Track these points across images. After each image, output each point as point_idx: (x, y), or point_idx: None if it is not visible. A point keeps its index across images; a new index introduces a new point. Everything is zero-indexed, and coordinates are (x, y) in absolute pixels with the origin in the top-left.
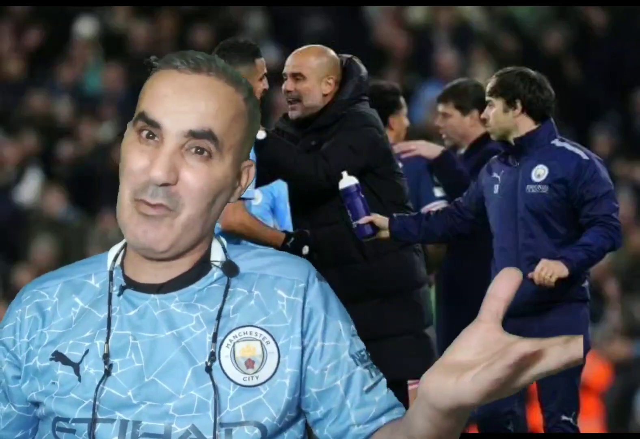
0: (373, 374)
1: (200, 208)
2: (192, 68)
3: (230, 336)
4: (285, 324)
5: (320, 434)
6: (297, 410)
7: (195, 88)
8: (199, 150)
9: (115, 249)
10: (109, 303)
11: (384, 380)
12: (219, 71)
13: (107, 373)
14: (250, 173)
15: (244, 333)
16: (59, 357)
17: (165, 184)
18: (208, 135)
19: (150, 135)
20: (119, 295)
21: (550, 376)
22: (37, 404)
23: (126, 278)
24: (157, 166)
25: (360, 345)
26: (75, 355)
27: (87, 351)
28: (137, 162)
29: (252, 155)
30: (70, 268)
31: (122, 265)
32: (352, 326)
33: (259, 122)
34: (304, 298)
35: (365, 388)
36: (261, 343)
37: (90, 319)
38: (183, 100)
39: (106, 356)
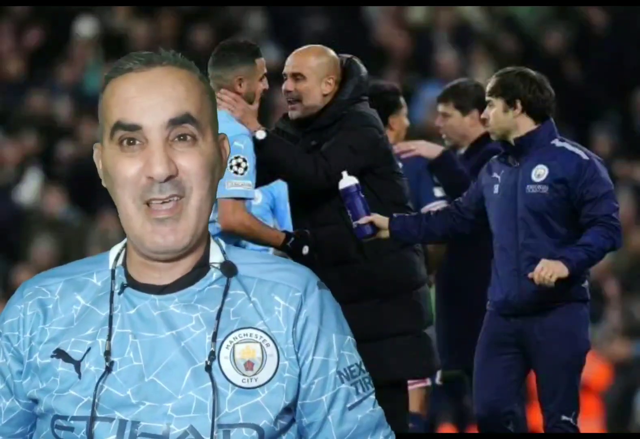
0: (360, 390)
1: (205, 187)
2: (146, 64)
3: (230, 338)
4: (281, 331)
5: None
6: (293, 414)
7: (158, 79)
8: (182, 137)
9: (117, 248)
10: (111, 301)
11: (372, 397)
12: (169, 59)
13: (108, 370)
14: (225, 147)
15: (244, 335)
16: (60, 354)
17: (168, 178)
18: (187, 118)
19: (131, 141)
20: (119, 293)
21: (550, 377)
22: (36, 401)
23: (129, 277)
24: (155, 163)
25: (352, 359)
26: (77, 353)
27: (89, 349)
28: (130, 168)
29: (252, 155)
30: (72, 267)
31: (124, 264)
32: (348, 337)
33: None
34: (299, 308)
35: (348, 405)
36: (261, 345)
37: (92, 317)
38: (151, 95)
39: (107, 354)
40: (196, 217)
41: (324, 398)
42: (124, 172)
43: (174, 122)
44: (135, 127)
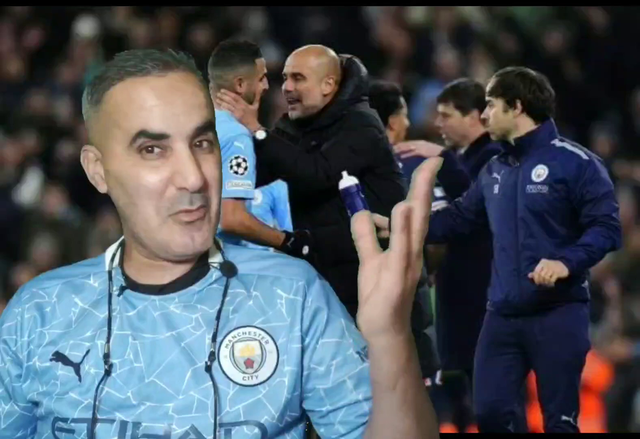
0: None
1: (220, 192)
2: (164, 68)
3: (229, 336)
4: (284, 323)
5: (328, 431)
6: (299, 410)
7: (178, 86)
8: (199, 143)
9: (112, 249)
10: (109, 303)
11: None
12: (182, 62)
13: (107, 373)
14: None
15: (243, 333)
16: (59, 357)
17: (200, 187)
18: (210, 126)
19: (150, 149)
20: (118, 295)
21: (550, 377)
22: (36, 404)
23: (127, 279)
24: (189, 173)
25: (363, 342)
26: (76, 355)
27: (88, 351)
28: (154, 178)
29: (252, 155)
30: (70, 269)
31: (121, 265)
32: (354, 325)
33: None
34: (305, 297)
35: None
36: (260, 343)
37: (91, 319)
38: (175, 103)
39: (106, 356)
40: (215, 221)
41: (347, 378)
42: (147, 182)
43: (199, 130)
44: (161, 136)
